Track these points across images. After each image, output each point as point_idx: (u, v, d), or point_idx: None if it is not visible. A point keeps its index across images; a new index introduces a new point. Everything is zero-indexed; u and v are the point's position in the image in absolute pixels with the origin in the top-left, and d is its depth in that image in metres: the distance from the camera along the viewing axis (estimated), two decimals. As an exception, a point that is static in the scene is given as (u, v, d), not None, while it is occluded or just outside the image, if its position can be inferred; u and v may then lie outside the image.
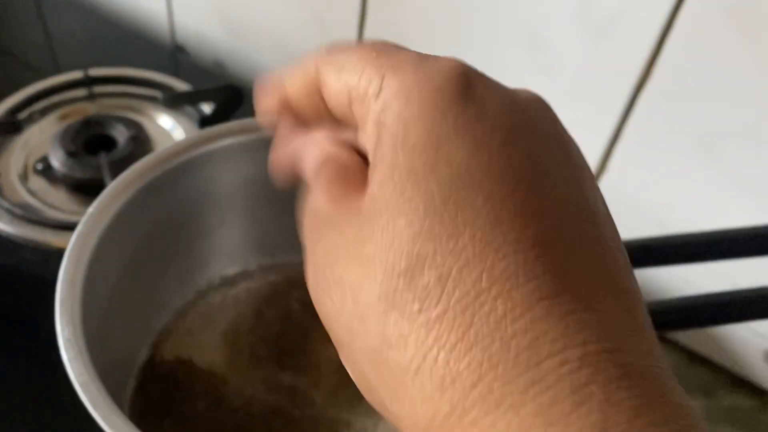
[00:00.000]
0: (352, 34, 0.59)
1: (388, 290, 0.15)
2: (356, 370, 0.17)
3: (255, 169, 0.41)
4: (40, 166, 0.55)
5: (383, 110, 0.17)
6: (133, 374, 0.39)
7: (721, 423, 0.48)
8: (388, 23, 0.57)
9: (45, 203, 0.52)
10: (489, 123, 0.16)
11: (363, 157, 0.19)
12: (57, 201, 0.53)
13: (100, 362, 0.29)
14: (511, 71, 0.50)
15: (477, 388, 0.14)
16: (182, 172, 0.38)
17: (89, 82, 0.62)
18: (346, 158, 0.19)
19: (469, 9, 0.51)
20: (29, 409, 0.43)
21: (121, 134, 0.56)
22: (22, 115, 0.59)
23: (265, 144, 0.40)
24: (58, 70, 0.64)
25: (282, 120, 0.22)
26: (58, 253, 0.32)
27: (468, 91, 0.17)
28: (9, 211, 0.51)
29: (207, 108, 0.61)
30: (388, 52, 0.18)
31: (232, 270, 0.45)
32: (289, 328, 0.42)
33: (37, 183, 0.54)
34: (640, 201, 0.49)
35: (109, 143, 0.55)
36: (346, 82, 0.18)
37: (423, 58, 0.17)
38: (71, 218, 0.50)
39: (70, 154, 0.54)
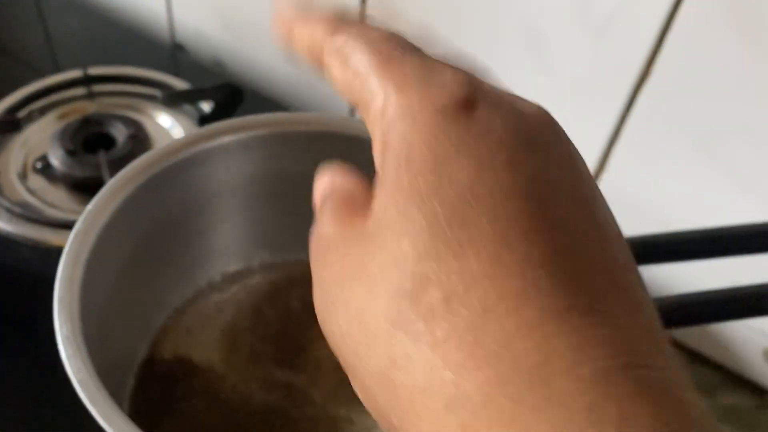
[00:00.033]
0: (351, 32, 0.59)
1: (393, 311, 0.15)
2: (367, 395, 0.17)
3: (254, 167, 0.41)
4: (39, 165, 0.55)
5: (388, 131, 0.17)
6: (132, 372, 0.39)
7: (721, 422, 0.48)
8: (388, 24, 0.56)
9: (44, 202, 0.52)
10: (494, 141, 0.16)
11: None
12: (56, 200, 0.53)
13: (99, 360, 0.29)
14: (510, 71, 0.50)
15: (487, 407, 0.14)
16: (181, 169, 0.38)
17: (88, 80, 0.62)
18: (353, 188, 0.19)
19: (468, 9, 0.51)
20: (28, 408, 0.43)
21: (120, 133, 0.56)
22: (22, 113, 0.59)
23: (264, 141, 0.41)
24: (57, 68, 0.64)
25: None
26: (58, 252, 0.32)
27: (472, 109, 0.16)
28: (8, 210, 0.51)
29: (206, 107, 0.61)
30: (394, 60, 0.18)
31: (232, 268, 0.45)
32: (289, 326, 0.42)
33: (37, 182, 0.54)
34: (639, 200, 0.49)
35: (108, 142, 0.55)
36: (350, 84, 0.18)
37: (428, 72, 0.17)
38: (70, 217, 0.50)
39: (70, 153, 0.54)
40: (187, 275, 0.43)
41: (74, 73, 0.62)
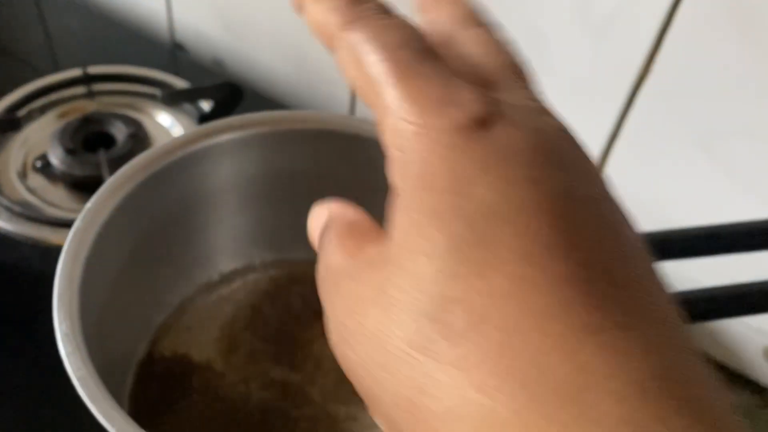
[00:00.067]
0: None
1: (414, 334, 0.15)
2: (388, 421, 0.17)
3: (254, 165, 0.41)
4: (39, 164, 0.55)
5: (404, 148, 0.16)
6: (131, 370, 0.39)
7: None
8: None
9: (44, 201, 0.52)
10: (513, 159, 0.16)
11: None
12: (56, 198, 0.53)
13: (99, 358, 0.29)
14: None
15: (520, 428, 0.13)
16: (180, 167, 0.38)
17: (88, 79, 0.62)
18: (353, 216, 0.19)
19: (468, 7, 0.51)
20: (28, 408, 0.43)
21: (120, 132, 0.56)
22: (22, 112, 0.59)
23: (263, 139, 0.41)
24: (57, 67, 0.64)
25: None
26: (57, 251, 0.32)
27: (491, 127, 0.16)
28: (8, 209, 0.51)
29: (206, 106, 0.61)
30: (411, 72, 0.17)
31: (231, 265, 0.45)
32: (288, 325, 0.42)
33: (36, 180, 0.54)
34: (639, 200, 0.49)
35: (108, 141, 0.55)
36: (363, 87, 0.18)
37: (446, 89, 0.17)
38: (70, 215, 0.50)
39: (69, 152, 0.54)
40: (187, 273, 0.43)
41: (74, 72, 0.63)
